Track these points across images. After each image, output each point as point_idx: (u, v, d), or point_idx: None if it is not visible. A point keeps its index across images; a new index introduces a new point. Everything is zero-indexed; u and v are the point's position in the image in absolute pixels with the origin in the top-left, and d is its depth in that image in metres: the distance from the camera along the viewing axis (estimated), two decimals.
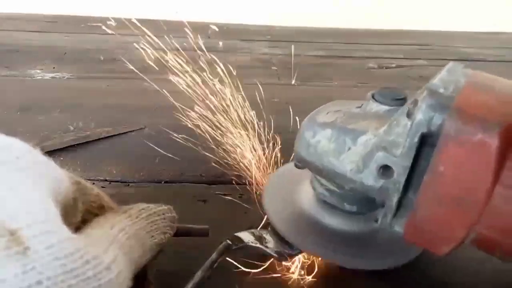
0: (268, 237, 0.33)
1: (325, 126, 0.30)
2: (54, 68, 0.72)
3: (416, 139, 0.25)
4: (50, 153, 0.46)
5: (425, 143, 0.25)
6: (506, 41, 1.03)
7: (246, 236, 0.32)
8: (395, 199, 0.27)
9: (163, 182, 0.43)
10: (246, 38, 0.97)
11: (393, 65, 0.82)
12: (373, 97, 0.30)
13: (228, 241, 0.30)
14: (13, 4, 1.10)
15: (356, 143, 0.28)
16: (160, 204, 0.27)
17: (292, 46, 0.77)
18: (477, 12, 1.10)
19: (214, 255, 0.29)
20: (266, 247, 0.32)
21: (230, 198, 0.41)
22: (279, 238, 0.32)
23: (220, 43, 0.75)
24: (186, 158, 0.47)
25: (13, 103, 0.58)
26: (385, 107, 0.29)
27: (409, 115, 0.26)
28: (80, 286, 0.16)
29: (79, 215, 0.22)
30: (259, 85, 0.55)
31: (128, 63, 0.75)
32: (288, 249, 0.32)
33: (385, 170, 0.27)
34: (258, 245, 0.32)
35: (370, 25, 1.09)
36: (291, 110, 0.56)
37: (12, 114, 0.56)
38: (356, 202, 0.32)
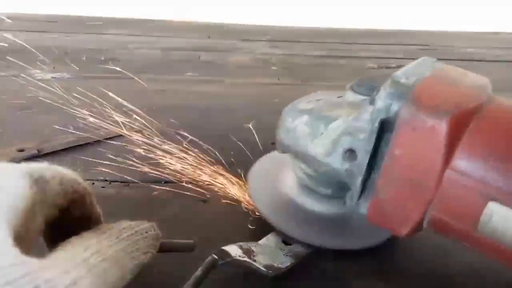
0: (256, 249, 0.31)
1: (303, 113, 0.32)
2: (54, 68, 0.72)
3: (376, 124, 0.26)
4: (50, 154, 0.47)
5: (387, 130, 0.27)
6: (506, 41, 1.03)
7: (233, 250, 0.30)
8: (359, 181, 0.28)
9: (163, 182, 0.43)
10: (246, 38, 0.97)
11: (393, 65, 0.82)
12: (351, 87, 0.32)
13: (214, 256, 0.28)
14: (13, 4, 1.10)
15: (327, 128, 0.30)
16: (143, 221, 0.25)
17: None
18: (477, 12, 1.10)
19: (198, 272, 0.26)
20: (254, 261, 0.30)
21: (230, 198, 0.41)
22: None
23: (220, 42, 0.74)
24: (185, 158, 0.46)
25: (13, 103, 0.58)
26: (361, 97, 0.31)
27: (372, 102, 0.27)
28: None
29: (38, 218, 0.21)
30: (259, 85, 0.55)
31: (128, 63, 0.75)
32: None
33: (350, 153, 0.29)
34: (246, 259, 0.30)
35: (370, 25, 1.09)
36: None
37: (12, 114, 0.55)
38: (330, 185, 0.33)
